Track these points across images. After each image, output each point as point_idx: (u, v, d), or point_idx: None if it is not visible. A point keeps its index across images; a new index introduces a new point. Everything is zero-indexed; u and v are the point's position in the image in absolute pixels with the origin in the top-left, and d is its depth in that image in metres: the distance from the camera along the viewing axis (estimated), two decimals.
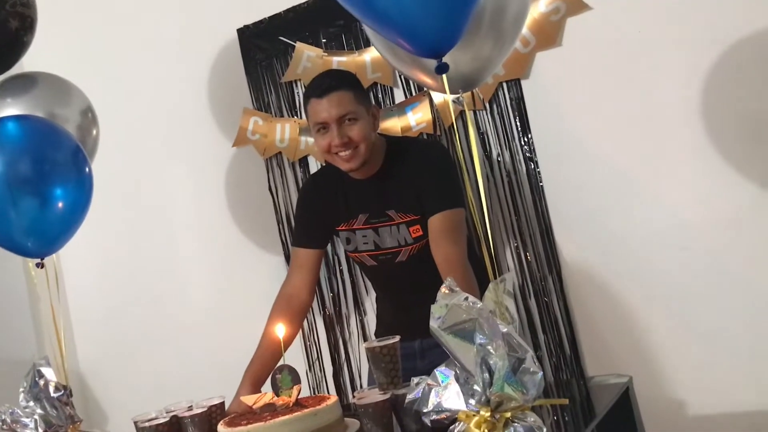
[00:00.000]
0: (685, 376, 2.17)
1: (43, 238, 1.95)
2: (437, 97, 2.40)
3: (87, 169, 2.04)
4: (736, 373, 2.11)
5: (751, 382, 2.10)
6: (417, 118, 2.43)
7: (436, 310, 1.08)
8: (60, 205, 1.94)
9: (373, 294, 2.32)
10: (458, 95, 1.56)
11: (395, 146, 1.94)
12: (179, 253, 2.90)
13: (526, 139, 2.31)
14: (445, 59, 1.30)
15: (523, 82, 2.31)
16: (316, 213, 2.01)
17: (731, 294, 2.11)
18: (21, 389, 1.74)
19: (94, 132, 2.37)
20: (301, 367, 2.58)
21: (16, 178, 1.90)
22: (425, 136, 2.42)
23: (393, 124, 2.45)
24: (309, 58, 2.57)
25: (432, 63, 1.34)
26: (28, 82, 2.26)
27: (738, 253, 2.10)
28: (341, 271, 2.58)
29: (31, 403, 1.72)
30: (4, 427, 1.71)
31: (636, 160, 2.20)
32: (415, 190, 1.88)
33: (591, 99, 2.23)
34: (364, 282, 2.54)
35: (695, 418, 2.16)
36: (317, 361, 2.63)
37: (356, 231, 1.96)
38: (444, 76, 1.24)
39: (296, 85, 2.63)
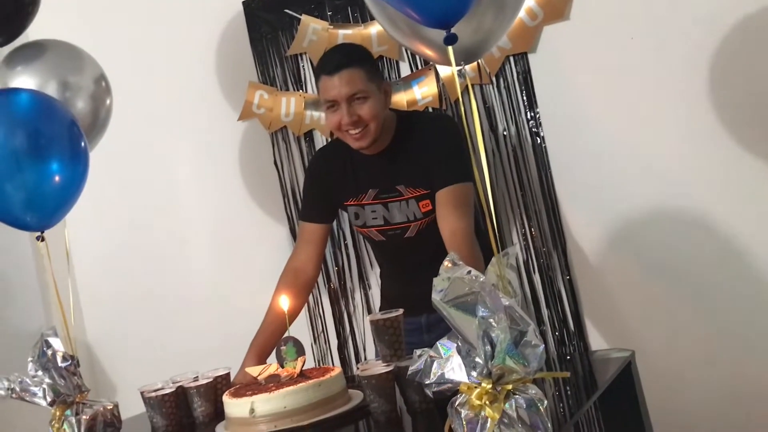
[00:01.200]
0: (688, 352, 2.18)
1: (41, 212, 1.95)
2: (443, 71, 2.39)
3: (82, 144, 2.04)
4: (739, 349, 2.12)
5: (754, 360, 2.11)
6: (423, 92, 2.42)
7: (438, 283, 1.08)
8: (57, 179, 1.94)
9: (377, 268, 2.33)
10: (460, 67, 1.54)
11: (405, 121, 1.94)
12: (185, 227, 2.91)
13: (532, 114, 2.30)
14: (453, 30, 1.28)
15: (530, 56, 2.29)
16: (324, 188, 2.01)
17: (738, 271, 2.11)
18: (30, 359, 1.76)
19: (108, 101, 2.32)
20: (306, 340, 2.60)
21: (13, 152, 1.90)
22: (431, 110, 2.41)
23: (399, 98, 2.44)
24: (314, 31, 2.55)
25: (434, 34, 1.32)
26: (39, 50, 2.21)
27: (745, 229, 2.10)
28: (346, 246, 2.59)
29: (40, 373, 1.74)
30: (14, 395, 1.73)
31: (644, 135, 2.19)
32: (424, 164, 1.88)
33: (598, 73, 2.22)
34: (369, 256, 2.55)
35: (696, 394, 2.17)
36: (322, 334, 2.65)
37: (365, 206, 1.96)
38: (450, 47, 1.23)
39: (302, 59, 2.62)
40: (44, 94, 2.07)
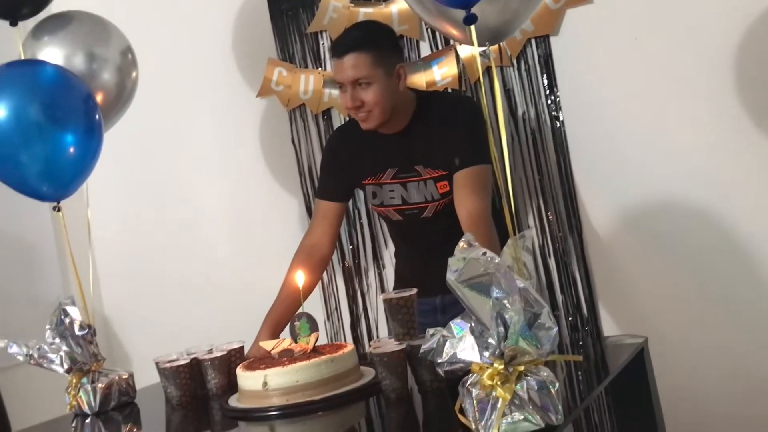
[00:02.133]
0: (702, 341, 2.17)
1: (57, 183, 1.98)
2: (463, 52, 2.37)
3: (97, 116, 2.05)
4: (754, 341, 2.11)
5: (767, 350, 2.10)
6: (442, 72, 2.40)
7: (453, 263, 1.08)
8: (72, 150, 1.96)
9: (391, 248, 2.33)
10: (485, 48, 1.53)
11: (425, 101, 1.93)
12: (202, 202, 2.93)
13: (552, 98, 2.28)
14: (473, 10, 1.28)
15: (552, 39, 2.27)
16: (342, 166, 2.01)
17: (757, 262, 2.09)
18: (48, 327, 1.78)
19: (134, 74, 2.33)
20: (320, 317, 2.62)
21: (30, 123, 1.92)
22: (450, 91, 2.40)
23: (418, 78, 2.42)
24: (335, 8, 2.54)
25: (459, 14, 1.32)
26: (66, 21, 2.21)
27: (766, 218, 2.07)
28: (361, 224, 2.60)
29: (57, 340, 1.77)
30: (32, 361, 1.76)
31: (664, 122, 2.17)
32: (443, 145, 1.88)
33: (620, 58, 2.19)
34: (383, 236, 2.56)
35: (709, 383, 2.17)
36: (335, 312, 2.67)
37: (383, 185, 1.97)
38: (472, 27, 1.22)
39: (321, 36, 2.61)
40: (60, 66, 2.09)
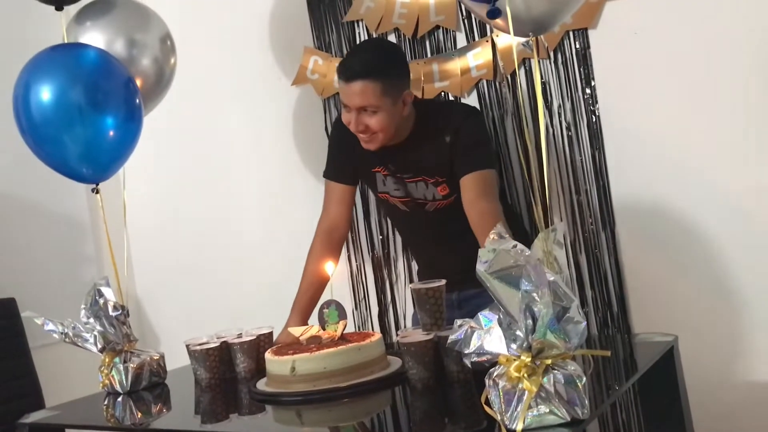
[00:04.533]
0: (732, 341, 2.13)
1: (97, 165, 2.02)
2: (500, 43, 2.35)
3: (137, 101, 2.08)
4: None
5: None
6: (478, 63, 2.39)
7: (483, 255, 1.08)
8: (111, 133, 2.00)
9: None
10: (528, 39, 1.51)
11: (425, 112, 1.93)
12: (236, 189, 2.96)
13: (589, 92, 2.25)
14: (497, 4, 1.26)
15: (590, 32, 2.24)
16: (351, 151, 2.01)
17: None
18: (83, 306, 1.83)
19: (172, 60, 2.36)
20: (348, 306, 2.63)
21: (73, 106, 1.96)
22: (484, 83, 2.39)
23: (453, 66, 2.41)
24: None
25: (502, 2, 1.29)
26: (109, 6, 2.25)
27: None
28: None
29: (91, 320, 1.81)
30: (67, 339, 1.81)
31: (701, 119, 2.12)
32: (443, 157, 1.88)
33: (660, 54, 2.15)
34: (400, 234, 2.55)
35: (737, 384, 2.13)
36: (363, 300, 2.68)
37: (387, 177, 1.99)
38: (509, 15, 1.21)
39: (358, 26, 2.61)
40: (103, 50, 2.13)
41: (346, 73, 1.79)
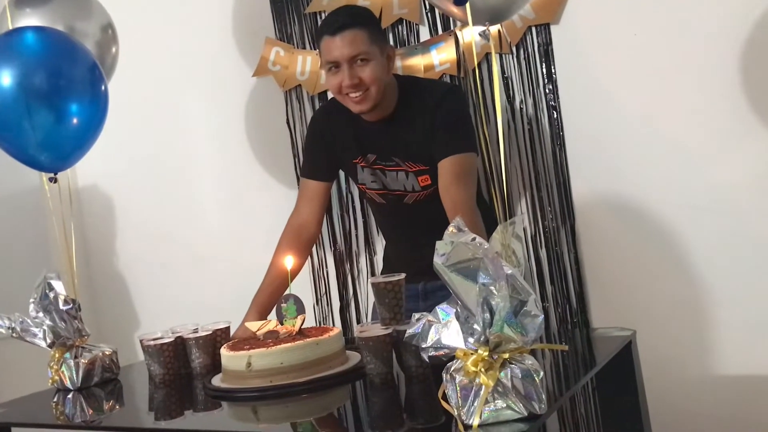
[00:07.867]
0: (692, 336, 2.16)
1: (57, 153, 1.95)
2: (462, 39, 2.34)
3: (103, 87, 2.02)
4: (743, 338, 2.10)
5: (757, 348, 2.09)
6: (441, 57, 2.38)
7: (441, 247, 1.07)
8: (75, 121, 1.93)
9: None
10: (484, 28, 1.50)
11: (408, 88, 1.91)
12: (193, 180, 2.91)
13: (551, 87, 2.26)
14: None
15: (553, 28, 2.24)
16: (327, 145, 2.00)
17: (748, 256, 2.07)
18: (31, 300, 1.77)
19: (114, 49, 2.32)
20: (309, 301, 2.61)
21: (32, 91, 1.89)
22: (448, 78, 2.38)
23: (416, 63, 2.40)
24: None
25: None
26: None
27: (759, 213, 2.06)
28: (354, 209, 2.58)
29: (41, 314, 1.76)
30: (14, 334, 1.75)
31: (662, 115, 2.15)
32: (425, 137, 1.85)
33: (621, 50, 2.17)
34: (376, 221, 2.54)
35: (696, 378, 2.16)
36: (325, 296, 2.65)
37: (365, 168, 1.96)
38: (468, 6, 1.20)
39: (320, 17, 2.57)
40: (71, 36, 2.06)
41: (334, 25, 1.79)
